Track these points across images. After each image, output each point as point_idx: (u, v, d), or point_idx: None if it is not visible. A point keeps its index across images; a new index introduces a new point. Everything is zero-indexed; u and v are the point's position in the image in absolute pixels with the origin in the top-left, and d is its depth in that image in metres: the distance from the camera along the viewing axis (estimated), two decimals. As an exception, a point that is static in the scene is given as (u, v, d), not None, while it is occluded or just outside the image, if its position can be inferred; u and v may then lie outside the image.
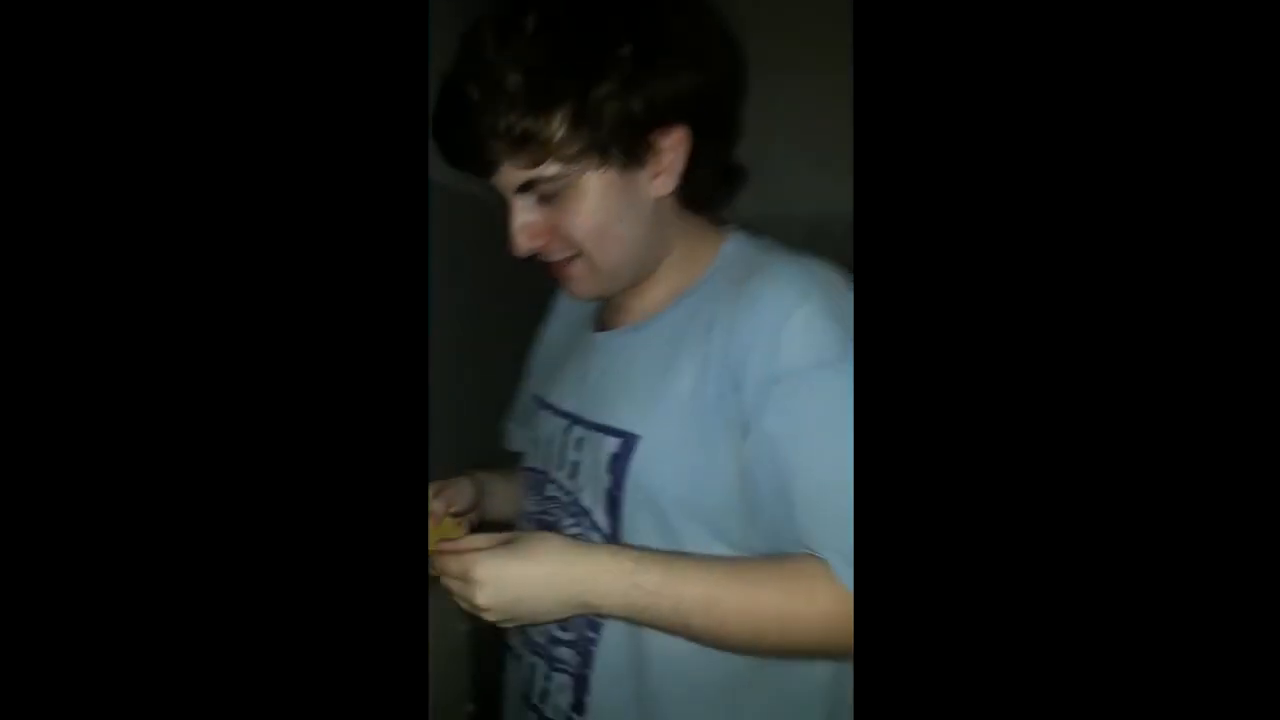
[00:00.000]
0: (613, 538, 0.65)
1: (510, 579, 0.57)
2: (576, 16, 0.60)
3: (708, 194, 0.69)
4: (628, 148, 0.62)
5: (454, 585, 0.59)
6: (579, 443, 0.69)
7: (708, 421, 0.62)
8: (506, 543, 0.59)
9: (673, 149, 0.64)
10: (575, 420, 0.71)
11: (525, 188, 0.63)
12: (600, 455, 0.66)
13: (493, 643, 0.84)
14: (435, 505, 0.72)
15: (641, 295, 0.71)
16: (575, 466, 0.69)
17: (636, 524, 0.64)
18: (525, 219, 0.64)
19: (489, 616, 0.59)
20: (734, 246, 0.70)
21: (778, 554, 0.61)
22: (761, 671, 0.64)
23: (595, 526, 0.67)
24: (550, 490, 0.72)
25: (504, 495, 0.82)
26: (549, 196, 0.63)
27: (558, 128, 0.59)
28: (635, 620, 0.60)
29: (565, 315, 0.85)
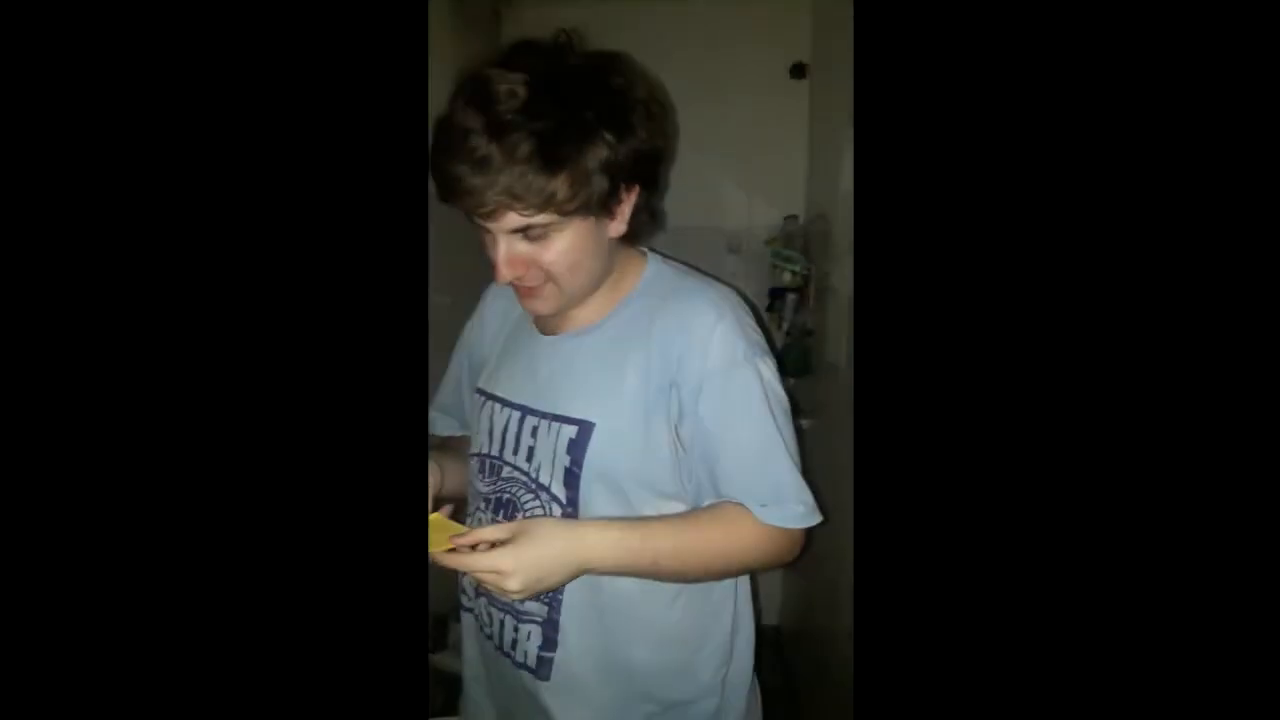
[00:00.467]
0: (571, 506, 0.82)
1: (531, 563, 0.71)
2: (570, 89, 0.73)
3: (640, 233, 0.86)
4: (606, 203, 0.77)
5: (485, 577, 0.72)
6: (534, 430, 0.85)
7: (650, 410, 0.81)
8: (517, 533, 0.73)
9: (629, 200, 0.81)
10: (528, 411, 0.87)
11: (518, 231, 0.75)
12: (559, 440, 0.82)
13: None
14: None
15: (583, 307, 0.87)
16: (531, 451, 0.85)
17: (592, 493, 0.81)
18: (512, 254, 0.77)
19: (517, 595, 0.73)
20: (654, 268, 0.90)
21: (707, 506, 0.81)
22: (686, 586, 0.85)
23: (554, 499, 0.83)
24: (506, 472, 0.87)
25: (454, 473, 0.94)
26: (534, 238, 0.76)
27: (560, 187, 0.72)
28: (620, 574, 0.78)
29: (495, 320, 1.00)
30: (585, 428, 0.81)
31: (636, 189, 0.80)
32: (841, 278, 1.67)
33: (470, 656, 0.96)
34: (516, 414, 0.87)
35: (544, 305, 0.83)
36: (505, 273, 0.78)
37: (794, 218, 2.54)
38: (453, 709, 1.56)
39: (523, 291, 0.82)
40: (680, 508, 0.83)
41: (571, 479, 0.82)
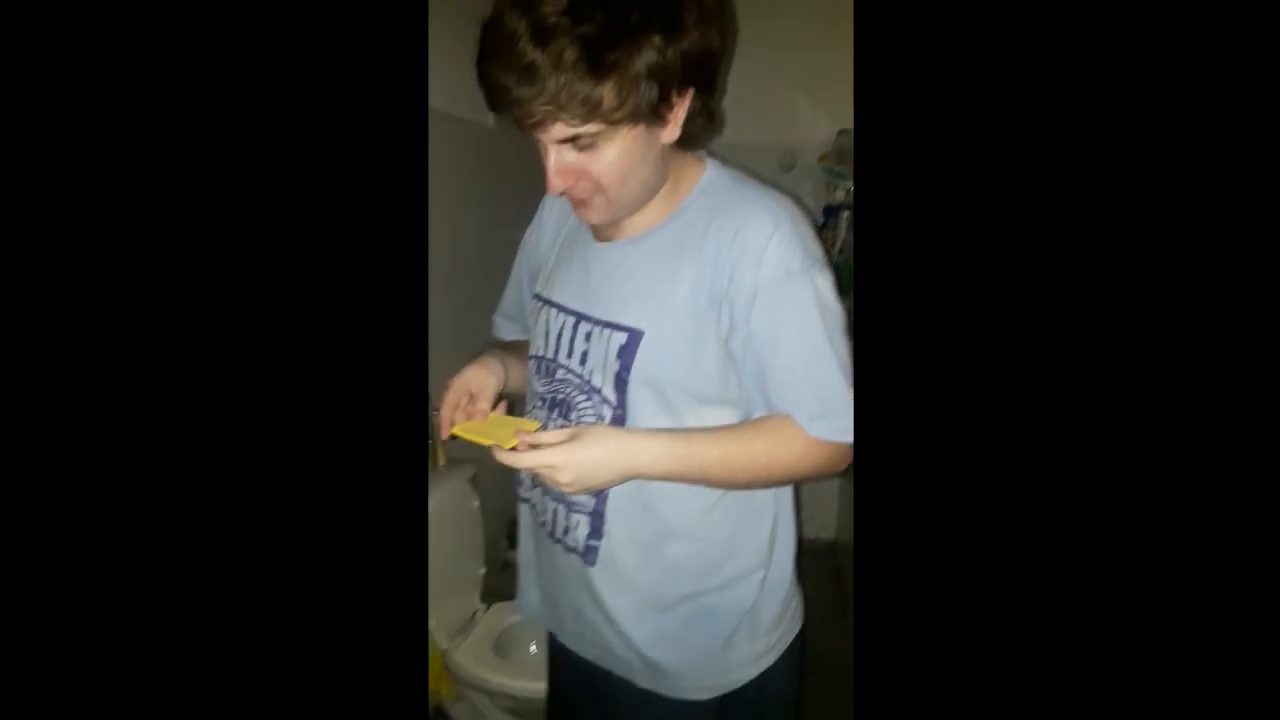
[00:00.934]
0: (620, 409, 0.85)
1: (581, 462, 0.76)
2: None
3: (697, 137, 0.82)
4: (656, 109, 0.74)
5: (542, 472, 0.77)
6: (588, 335, 0.87)
7: (699, 320, 0.81)
8: (573, 436, 0.77)
9: (682, 105, 0.77)
10: (582, 317, 0.88)
11: (567, 140, 0.74)
12: (610, 346, 0.84)
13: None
14: (483, 405, 0.87)
15: (638, 213, 0.85)
16: (585, 355, 0.87)
17: (638, 399, 0.84)
18: (562, 164, 0.76)
19: (568, 489, 0.78)
20: (711, 175, 0.87)
21: (756, 419, 0.84)
22: (728, 492, 0.87)
23: (605, 401, 0.86)
24: (560, 374, 0.90)
25: (515, 372, 0.97)
26: (584, 147, 0.75)
27: (607, 95, 0.70)
28: (668, 480, 0.82)
29: (552, 225, 1.00)
30: (634, 335, 0.83)
31: (690, 92, 0.76)
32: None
33: (524, 542, 1.02)
34: (571, 319, 0.89)
35: (595, 215, 0.82)
36: (555, 183, 0.77)
37: (847, 132, 2.45)
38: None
39: (574, 201, 0.81)
40: (725, 415, 0.85)
41: (620, 383, 0.84)
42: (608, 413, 0.85)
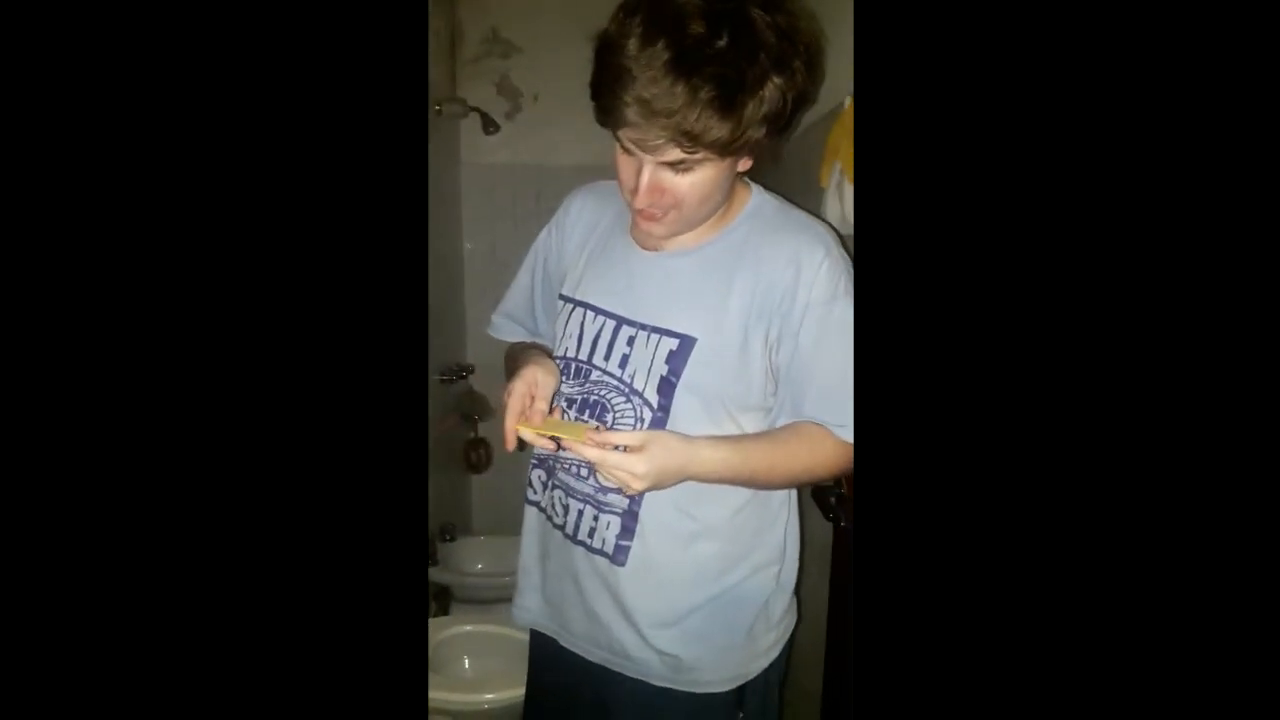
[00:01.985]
0: (662, 411, 0.89)
1: (658, 470, 0.80)
2: (745, 27, 0.74)
3: (757, 163, 0.89)
4: (753, 149, 0.81)
5: (619, 474, 0.79)
6: (630, 339, 0.90)
7: (749, 330, 0.87)
8: (645, 442, 0.80)
9: (765, 139, 0.82)
10: (625, 321, 0.91)
11: (669, 164, 0.79)
12: (658, 351, 0.88)
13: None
14: (541, 406, 0.88)
15: (688, 232, 0.90)
16: (625, 358, 0.90)
17: (683, 403, 0.88)
18: (654, 182, 0.80)
19: (636, 491, 0.81)
20: (758, 198, 0.94)
21: (789, 425, 0.90)
22: (753, 494, 0.94)
23: (646, 403, 0.89)
24: (595, 375, 0.92)
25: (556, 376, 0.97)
26: (679, 169, 0.79)
27: (729, 132, 0.75)
28: (720, 482, 0.86)
29: (581, 229, 1.02)
30: (687, 341, 0.87)
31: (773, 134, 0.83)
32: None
33: (528, 546, 1.03)
34: (611, 322, 0.92)
35: (663, 229, 0.86)
36: (645, 199, 0.81)
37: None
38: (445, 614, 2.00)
39: (646, 216, 0.84)
40: (758, 420, 0.91)
41: (666, 387, 0.87)
42: (648, 415, 0.89)
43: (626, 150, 0.80)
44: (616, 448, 0.78)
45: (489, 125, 2.30)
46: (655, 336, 0.89)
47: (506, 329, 1.10)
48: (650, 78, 0.72)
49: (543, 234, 1.06)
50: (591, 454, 0.78)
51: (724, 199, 0.87)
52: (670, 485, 0.83)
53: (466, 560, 2.21)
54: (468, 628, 1.76)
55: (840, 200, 1.32)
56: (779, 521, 0.98)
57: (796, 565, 1.01)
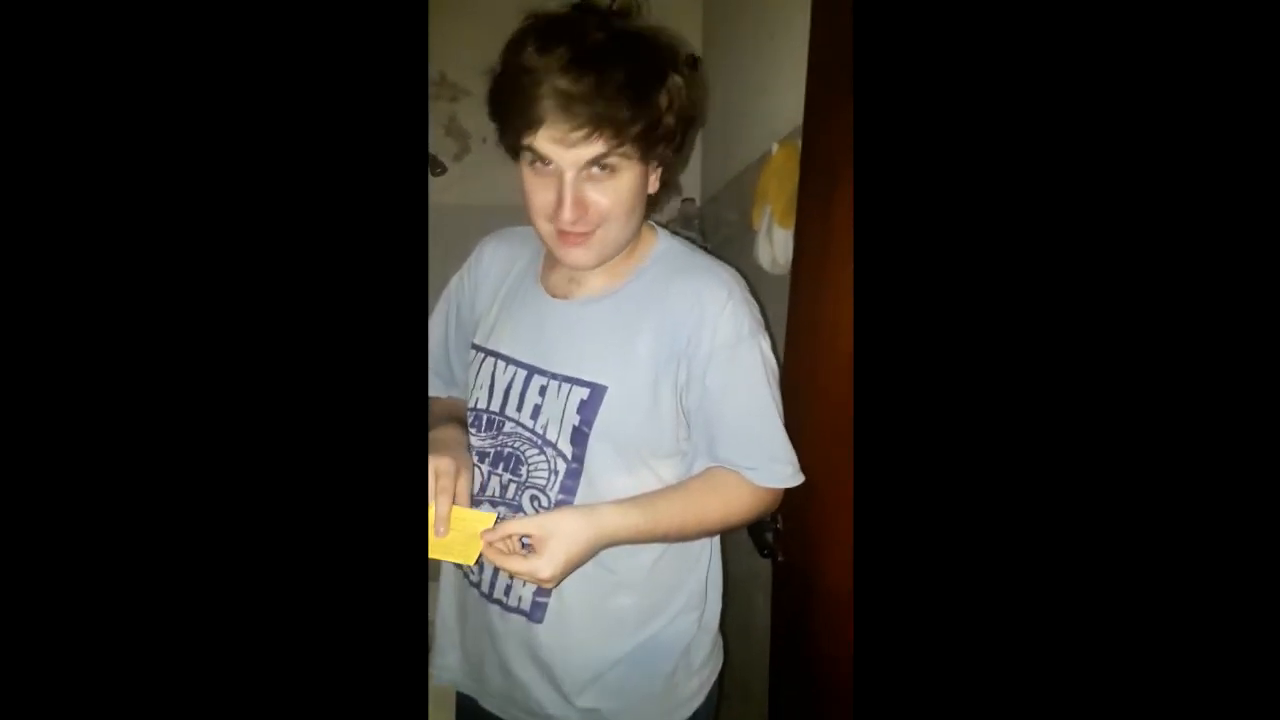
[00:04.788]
0: (576, 461, 0.88)
1: (564, 562, 0.79)
2: (636, 39, 0.81)
3: (657, 201, 0.91)
4: (662, 148, 0.83)
5: (519, 572, 0.79)
6: (542, 389, 0.90)
7: (659, 377, 0.87)
8: (543, 534, 0.79)
9: (666, 158, 0.87)
10: (536, 370, 0.91)
11: (591, 163, 0.79)
12: (569, 400, 0.88)
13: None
14: (442, 504, 0.83)
15: (596, 275, 0.91)
16: (537, 408, 0.89)
17: (597, 453, 0.87)
18: (578, 193, 0.80)
19: (550, 584, 0.80)
20: (665, 243, 0.95)
21: (701, 474, 0.90)
22: (670, 544, 0.93)
23: (560, 454, 0.89)
24: (509, 427, 0.91)
25: (463, 442, 0.96)
26: (598, 177, 0.80)
27: (644, 118, 0.78)
28: (632, 543, 0.86)
29: (493, 277, 1.02)
30: (598, 390, 0.87)
31: (672, 148, 0.86)
32: (734, 257, 1.80)
33: (446, 603, 1.01)
34: (523, 372, 0.91)
35: (588, 253, 0.84)
36: (570, 214, 0.80)
37: (690, 200, 2.66)
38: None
39: (570, 240, 0.83)
40: (674, 465, 0.91)
41: (579, 438, 0.87)
42: (562, 466, 0.88)
43: (542, 162, 0.80)
44: (521, 539, 0.79)
45: (435, 167, 2.32)
46: (566, 386, 0.88)
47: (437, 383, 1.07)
48: (560, 70, 0.75)
49: (455, 281, 1.05)
50: (494, 559, 0.79)
51: (637, 223, 0.87)
52: (583, 562, 0.82)
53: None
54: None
55: (770, 242, 1.36)
56: (700, 565, 0.98)
57: (719, 607, 1.01)
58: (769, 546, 1.13)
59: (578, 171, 0.79)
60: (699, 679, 0.99)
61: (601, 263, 0.88)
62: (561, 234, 0.83)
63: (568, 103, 0.75)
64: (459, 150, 2.47)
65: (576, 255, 0.85)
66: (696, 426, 0.90)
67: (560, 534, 0.79)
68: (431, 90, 2.46)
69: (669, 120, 0.81)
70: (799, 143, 1.26)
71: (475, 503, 0.90)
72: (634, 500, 0.86)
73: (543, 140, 0.78)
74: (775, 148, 1.37)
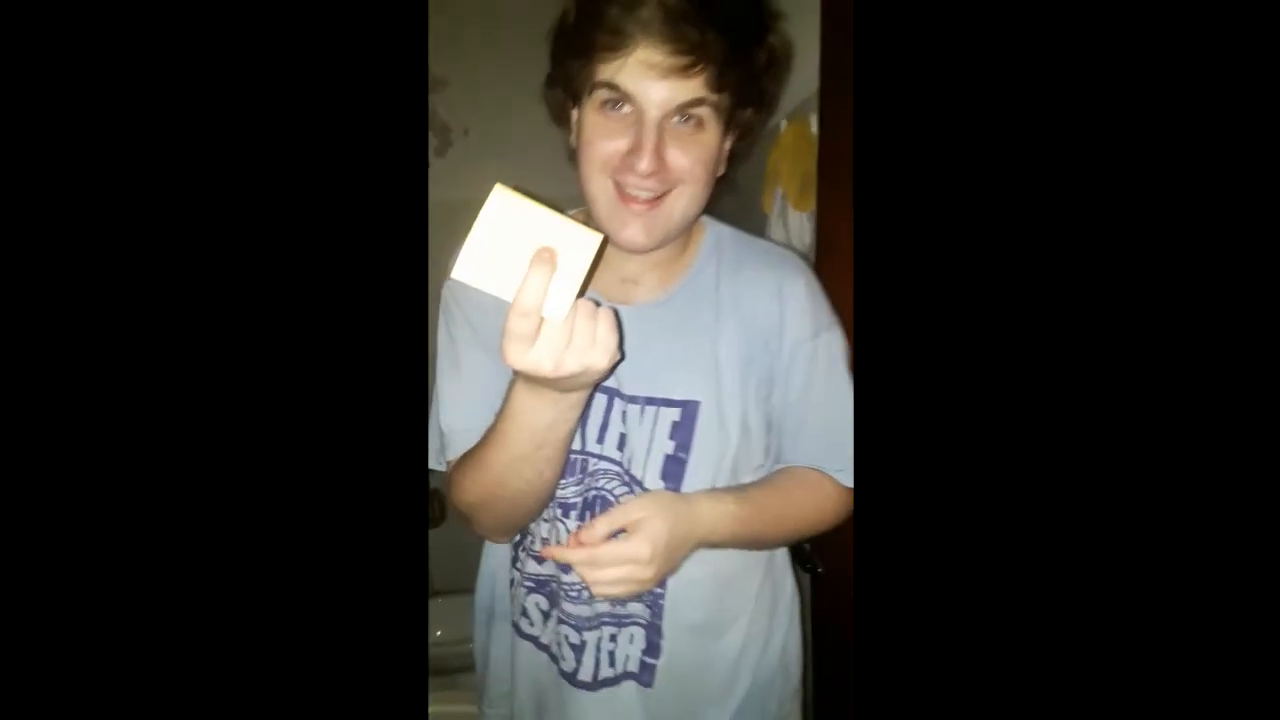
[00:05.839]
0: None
1: (664, 547, 0.66)
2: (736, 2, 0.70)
3: (718, 192, 0.78)
4: (750, 112, 0.74)
5: (614, 575, 0.66)
6: (624, 415, 0.76)
7: (747, 381, 0.77)
8: (633, 520, 0.66)
9: (746, 129, 0.76)
10: (616, 394, 0.77)
11: (679, 110, 0.68)
12: (658, 425, 0.76)
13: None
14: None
15: (650, 271, 0.79)
16: (622, 438, 0.76)
17: (693, 479, 0.75)
18: (660, 144, 0.69)
19: (650, 582, 0.67)
20: (714, 231, 0.84)
21: (783, 471, 0.80)
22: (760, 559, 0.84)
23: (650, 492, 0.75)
24: (593, 465, 0.77)
25: None
26: (680, 132, 0.69)
27: (745, 65, 0.69)
28: (729, 545, 0.74)
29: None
30: (690, 409, 0.75)
31: (753, 120, 0.76)
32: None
33: (521, 690, 0.85)
34: (602, 397, 0.76)
35: (649, 229, 0.71)
36: (647, 162, 0.67)
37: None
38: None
39: (635, 205, 0.70)
40: (757, 477, 0.80)
41: (674, 467, 0.75)
42: None
43: (619, 102, 0.68)
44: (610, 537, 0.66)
45: (418, 164, 2.22)
46: (652, 409, 0.75)
47: (463, 442, 0.76)
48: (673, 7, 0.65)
49: (459, 324, 0.80)
50: (574, 556, 0.65)
51: (705, 202, 0.75)
52: (681, 560, 0.70)
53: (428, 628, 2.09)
54: (432, 709, 1.64)
55: (785, 227, 1.27)
56: (785, 589, 0.87)
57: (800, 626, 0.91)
58: (808, 558, 1.06)
59: (663, 116, 0.67)
60: (796, 700, 0.90)
61: (660, 244, 0.74)
62: (625, 198, 0.70)
63: (675, 20, 0.64)
64: (440, 144, 2.36)
65: (635, 230, 0.71)
66: (778, 429, 0.80)
67: (654, 508, 0.67)
68: (407, 83, 2.36)
69: (765, 81, 0.72)
70: (811, 119, 1.17)
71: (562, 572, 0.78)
72: (727, 490, 0.75)
73: (631, 70, 0.66)
74: (784, 125, 1.28)
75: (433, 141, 2.35)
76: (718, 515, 0.71)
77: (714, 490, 0.75)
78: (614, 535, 0.66)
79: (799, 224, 1.24)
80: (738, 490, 0.75)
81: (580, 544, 0.65)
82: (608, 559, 0.65)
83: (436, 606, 2.13)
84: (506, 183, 0.62)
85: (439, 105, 2.34)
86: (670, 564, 0.68)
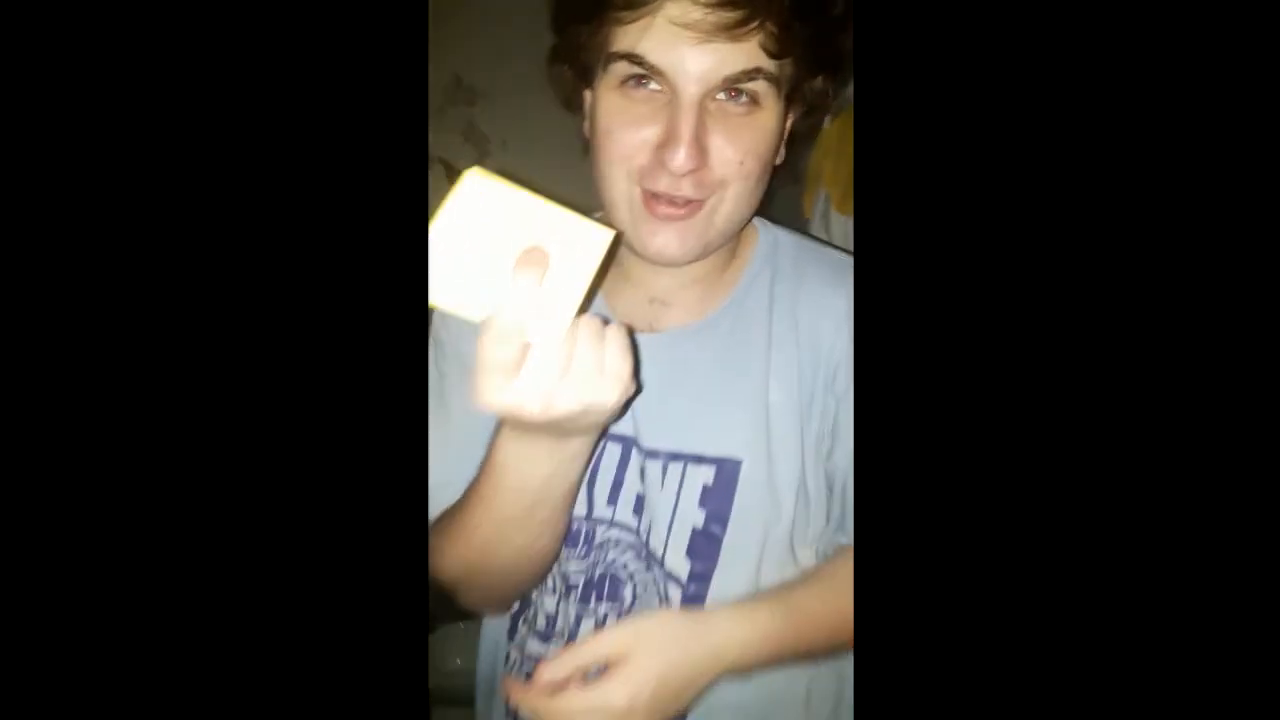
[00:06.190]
0: (699, 582, 0.57)
1: (655, 691, 0.50)
2: None
3: (774, 184, 0.63)
4: (822, 81, 0.59)
5: (576, 713, 0.50)
6: (642, 472, 0.60)
7: (806, 430, 0.58)
8: (622, 649, 0.50)
9: (816, 101, 0.61)
10: (632, 445, 0.61)
11: (726, 84, 0.54)
12: (686, 488, 0.59)
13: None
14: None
15: (688, 287, 0.62)
16: (639, 500, 0.60)
17: (731, 560, 0.57)
18: (699, 131, 0.54)
19: None
20: (768, 233, 0.67)
21: (841, 553, 0.60)
22: None
23: (671, 577, 0.58)
24: (602, 534, 0.61)
25: None
26: (730, 112, 0.55)
27: (803, 34, 0.55)
28: (768, 667, 0.56)
29: None
30: (728, 467, 0.58)
31: (826, 86, 0.62)
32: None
33: None
34: (615, 447, 0.62)
35: (684, 240, 0.57)
36: (684, 158, 0.53)
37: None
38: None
39: (665, 210, 0.56)
40: (808, 556, 0.61)
41: (705, 546, 0.58)
42: (676, 595, 0.59)
43: (644, 77, 0.53)
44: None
45: (451, 174, 2.20)
46: (678, 465, 0.59)
47: (445, 499, 0.67)
48: None
49: (443, 346, 0.71)
50: (524, 700, 0.51)
51: (757, 202, 0.60)
52: (692, 699, 0.53)
53: (444, 655, 1.99)
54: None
55: (828, 231, 1.16)
56: (846, 678, 0.68)
57: None
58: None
59: (704, 94, 0.53)
60: None
61: (700, 256, 0.59)
62: (653, 199, 0.56)
63: None
64: (478, 155, 2.35)
65: (666, 238, 0.56)
66: (842, 492, 0.61)
67: (642, 648, 0.50)
68: (446, 96, 2.35)
69: (842, 38, 0.56)
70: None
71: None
72: (762, 599, 0.56)
73: (658, 34, 0.51)
74: (828, 121, 1.17)
75: (472, 154, 2.34)
76: (747, 639, 0.53)
77: (741, 605, 0.56)
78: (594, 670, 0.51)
79: (843, 228, 1.13)
80: (778, 595, 0.57)
81: (537, 686, 0.50)
82: (565, 711, 0.49)
83: (457, 633, 2.05)
84: (543, 194, 0.47)
85: (476, 117, 2.34)
86: (671, 708, 0.53)
